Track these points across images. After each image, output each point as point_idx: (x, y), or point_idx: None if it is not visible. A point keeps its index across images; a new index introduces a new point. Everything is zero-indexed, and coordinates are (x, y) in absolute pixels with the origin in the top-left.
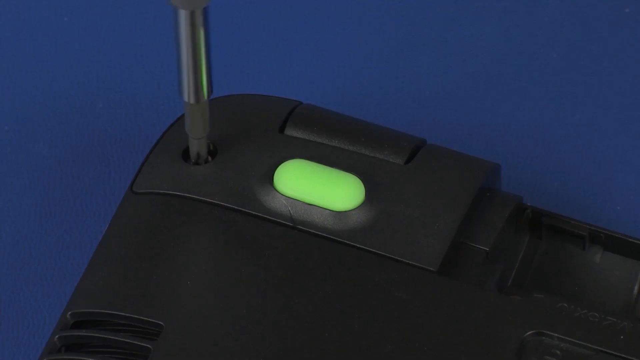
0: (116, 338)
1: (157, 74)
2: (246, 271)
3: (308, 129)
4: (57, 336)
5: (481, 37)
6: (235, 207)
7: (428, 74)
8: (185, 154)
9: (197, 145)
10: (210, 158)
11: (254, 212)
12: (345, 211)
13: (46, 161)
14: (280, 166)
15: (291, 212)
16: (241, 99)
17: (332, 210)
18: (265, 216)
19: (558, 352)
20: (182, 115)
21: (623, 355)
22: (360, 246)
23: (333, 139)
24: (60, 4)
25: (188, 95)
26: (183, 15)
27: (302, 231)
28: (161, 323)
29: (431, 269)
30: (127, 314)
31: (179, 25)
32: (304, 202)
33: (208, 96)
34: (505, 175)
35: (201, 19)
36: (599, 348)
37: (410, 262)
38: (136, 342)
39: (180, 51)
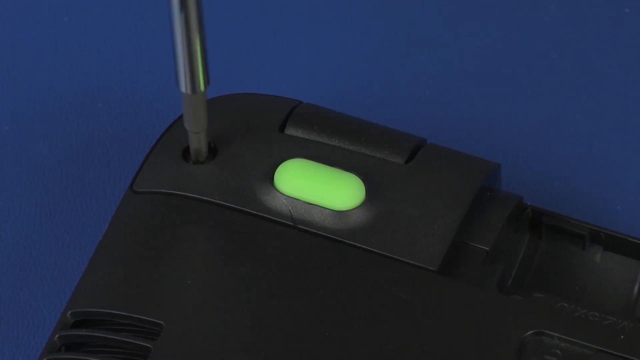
0: (116, 337)
1: (157, 74)
2: (246, 271)
3: (308, 129)
4: (57, 335)
5: (481, 37)
6: (236, 207)
7: (428, 74)
8: (186, 154)
9: (196, 141)
10: (210, 155)
11: (254, 212)
12: (345, 211)
13: (46, 161)
14: (280, 165)
15: (291, 211)
16: (241, 98)
17: (333, 210)
18: (265, 215)
19: (558, 351)
20: (182, 114)
21: (623, 355)
22: (361, 246)
23: (333, 139)
24: (60, 4)
25: (185, 85)
26: (176, 2)
27: (303, 230)
28: (161, 323)
29: (431, 268)
30: (127, 314)
31: (173, 12)
32: (304, 202)
33: (205, 87)
34: (505, 175)
35: (194, 6)
36: (599, 348)
37: (410, 262)
38: (136, 342)
39: (175, 39)
